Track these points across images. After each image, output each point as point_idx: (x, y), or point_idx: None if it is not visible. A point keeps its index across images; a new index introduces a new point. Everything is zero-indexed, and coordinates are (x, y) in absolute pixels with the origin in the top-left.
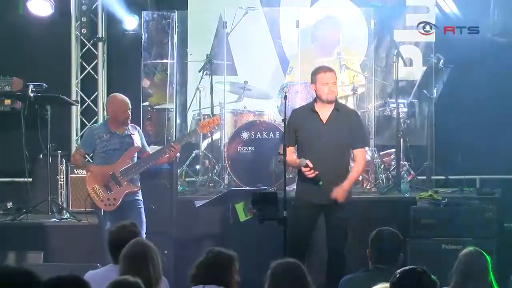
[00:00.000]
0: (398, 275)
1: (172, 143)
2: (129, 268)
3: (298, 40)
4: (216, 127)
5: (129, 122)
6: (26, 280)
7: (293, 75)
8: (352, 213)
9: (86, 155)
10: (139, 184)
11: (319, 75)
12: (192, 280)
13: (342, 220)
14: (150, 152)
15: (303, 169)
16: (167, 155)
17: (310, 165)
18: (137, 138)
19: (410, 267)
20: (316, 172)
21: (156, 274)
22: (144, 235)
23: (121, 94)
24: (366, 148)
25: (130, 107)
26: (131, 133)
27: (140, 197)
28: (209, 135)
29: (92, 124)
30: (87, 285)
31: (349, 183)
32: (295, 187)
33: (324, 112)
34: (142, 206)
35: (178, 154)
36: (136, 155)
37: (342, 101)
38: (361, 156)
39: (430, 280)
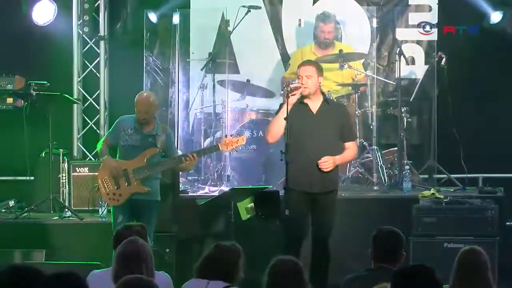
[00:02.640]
0: (404, 271)
1: (189, 154)
2: (122, 268)
3: (299, 38)
4: (241, 148)
5: (150, 122)
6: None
7: (291, 71)
8: (339, 206)
9: (111, 145)
10: (154, 186)
11: (298, 67)
12: (197, 273)
13: (329, 210)
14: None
15: (291, 94)
16: (183, 164)
17: (296, 85)
18: (162, 140)
19: (418, 264)
20: (301, 85)
21: (149, 273)
22: (151, 237)
23: (146, 94)
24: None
25: (148, 109)
26: (156, 134)
27: (154, 198)
28: (230, 153)
29: (121, 116)
30: (84, 282)
31: (340, 159)
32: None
33: (314, 104)
34: (154, 208)
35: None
36: (155, 156)
37: (344, 100)
38: (354, 147)
39: (436, 278)
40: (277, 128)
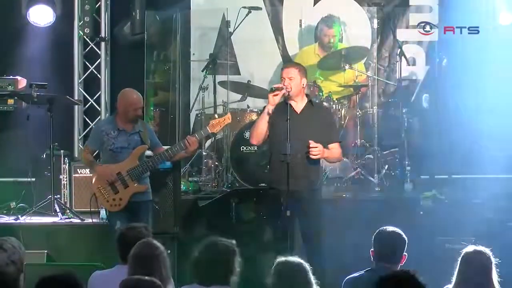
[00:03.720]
0: (389, 278)
1: (189, 137)
2: (140, 269)
3: (300, 39)
4: (228, 126)
5: (138, 120)
6: None
7: None
8: (324, 206)
9: (94, 152)
10: (148, 183)
11: (281, 69)
12: (194, 277)
13: (313, 211)
14: (163, 148)
15: (272, 94)
16: (184, 151)
17: (278, 85)
18: (147, 136)
19: (402, 270)
20: (283, 87)
21: (167, 274)
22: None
23: (134, 90)
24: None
25: (142, 105)
26: (139, 131)
27: (149, 198)
28: (218, 135)
29: (98, 120)
30: (80, 284)
31: (328, 153)
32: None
33: (298, 105)
34: (151, 208)
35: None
36: (144, 153)
37: (345, 101)
38: (339, 149)
39: (421, 283)
40: (261, 129)
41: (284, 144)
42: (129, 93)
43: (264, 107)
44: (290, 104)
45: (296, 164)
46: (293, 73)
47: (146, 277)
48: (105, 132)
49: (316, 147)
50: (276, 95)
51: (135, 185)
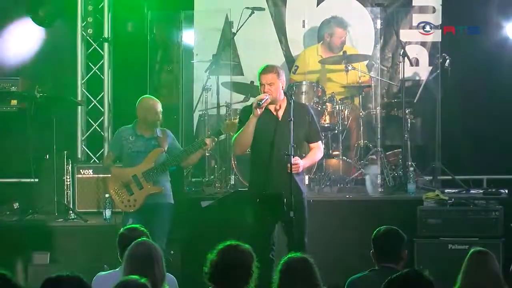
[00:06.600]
0: (395, 280)
1: (206, 139)
2: (135, 269)
3: (303, 39)
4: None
5: (159, 124)
6: None
7: (299, 74)
8: (309, 214)
9: (115, 158)
10: (166, 186)
11: (259, 75)
12: (209, 280)
13: (297, 220)
14: None
15: (259, 108)
16: (198, 153)
17: (262, 96)
18: (164, 141)
19: (408, 269)
20: (266, 96)
21: (162, 274)
22: (164, 240)
23: (151, 96)
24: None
25: (161, 109)
26: (158, 136)
27: (167, 200)
28: (222, 136)
29: (121, 127)
30: (87, 285)
31: (307, 161)
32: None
33: (278, 107)
34: (169, 211)
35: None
36: (160, 156)
37: (348, 101)
38: (321, 148)
39: (428, 278)
40: (248, 141)
41: (265, 151)
42: (146, 99)
43: (242, 114)
44: (270, 110)
45: (278, 172)
46: (272, 78)
47: (137, 279)
48: (124, 138)
49: (295, 165)
50: (262, 108)
51: (150, 186)
